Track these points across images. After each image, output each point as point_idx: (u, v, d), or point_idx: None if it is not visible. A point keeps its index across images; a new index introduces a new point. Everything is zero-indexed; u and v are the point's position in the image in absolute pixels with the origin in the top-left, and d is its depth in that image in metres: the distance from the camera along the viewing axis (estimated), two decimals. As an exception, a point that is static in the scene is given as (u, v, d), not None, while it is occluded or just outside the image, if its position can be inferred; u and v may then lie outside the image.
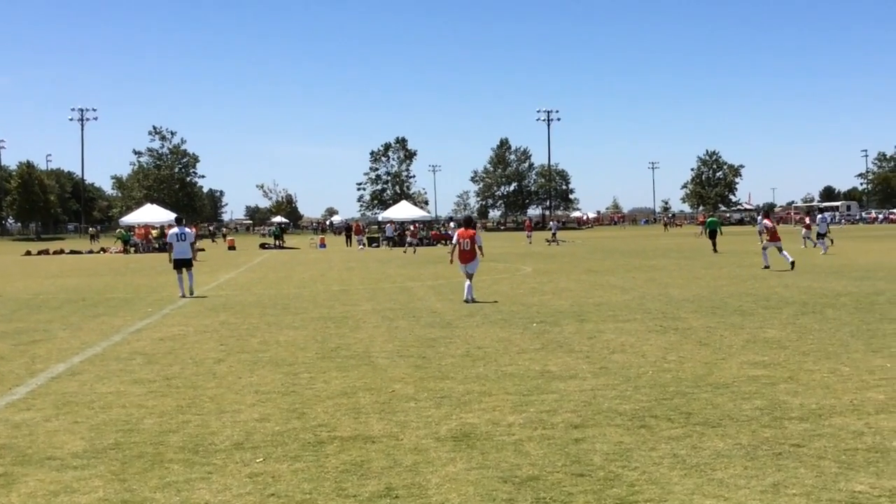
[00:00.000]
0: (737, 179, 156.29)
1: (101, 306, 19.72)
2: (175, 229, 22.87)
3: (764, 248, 27.98)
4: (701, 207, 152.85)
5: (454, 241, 19.80)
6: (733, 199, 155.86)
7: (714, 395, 8.69)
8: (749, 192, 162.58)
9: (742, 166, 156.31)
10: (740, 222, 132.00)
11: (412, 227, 59.94)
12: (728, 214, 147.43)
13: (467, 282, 19.14)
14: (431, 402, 8.64)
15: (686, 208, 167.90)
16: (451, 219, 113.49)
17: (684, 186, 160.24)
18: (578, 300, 18.75)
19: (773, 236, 27.78)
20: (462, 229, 19.71)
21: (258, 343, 13.20)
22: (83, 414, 8.44)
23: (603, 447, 6.87)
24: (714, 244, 40.25)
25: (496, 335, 13.49)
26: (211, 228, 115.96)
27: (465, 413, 8.16)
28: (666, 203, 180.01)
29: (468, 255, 19.23)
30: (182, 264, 22.25)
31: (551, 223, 66.84)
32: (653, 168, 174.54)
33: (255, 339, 13.70)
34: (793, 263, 26.09)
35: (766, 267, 26.74)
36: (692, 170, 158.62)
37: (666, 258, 35.95)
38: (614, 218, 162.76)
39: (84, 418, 8.25)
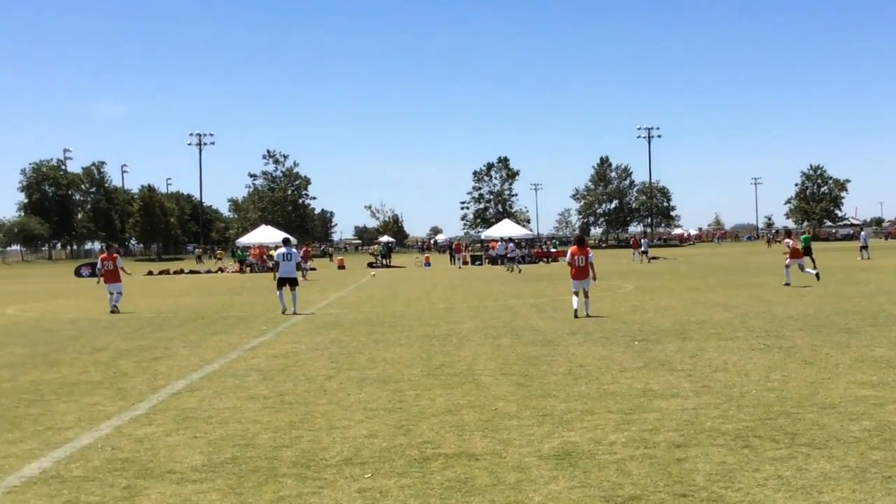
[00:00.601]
0: (842, 194, 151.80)
1: (219, 324, 20.24)
2: (282, 249, 23.62)
3: (787, 266, 28.74)
4: (805, 223, 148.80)
5: (568, 258, 20.23)
6: (839, 214, 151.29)
7: (820, 415, 8.43)
8: (856, 207, 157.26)
9: (848, 181, 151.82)
10: (847, 238, 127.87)
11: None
12: (834, 230, 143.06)
13: (574, 297, 19.61)
14: (534, 420, 8.61)
15: (790, 224, 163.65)
16: (552, 237, 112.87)
17: (788, 202, 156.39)
18: (680, 318, 18.44)
19: (795, 254, 28.86)
20: (575, 247, 20.15)
21: (366, 360, 13.35)
22: (202, 429, 8.67)
23: (705, 467, 6.73)
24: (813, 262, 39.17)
25: (598, 353, 13.36)
26: (328, 249, 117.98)
27: (567, 431, 8.10)
28: (769, 219, 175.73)
29: (583, 272, 19.67)
30: (287, 282, 22.89)
31: (642, 241, 65.71)
32: (755, 184, 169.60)
33: (364, 356, 13.87)
34: (817, 275, 28.22)
35: (787, 284, 27.54)
36: (796, 185, 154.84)
37: (769, 275, 35.07)
38: (716, 234, 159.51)
39: (202, 433, 8.48)
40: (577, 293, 19.71)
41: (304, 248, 55.76)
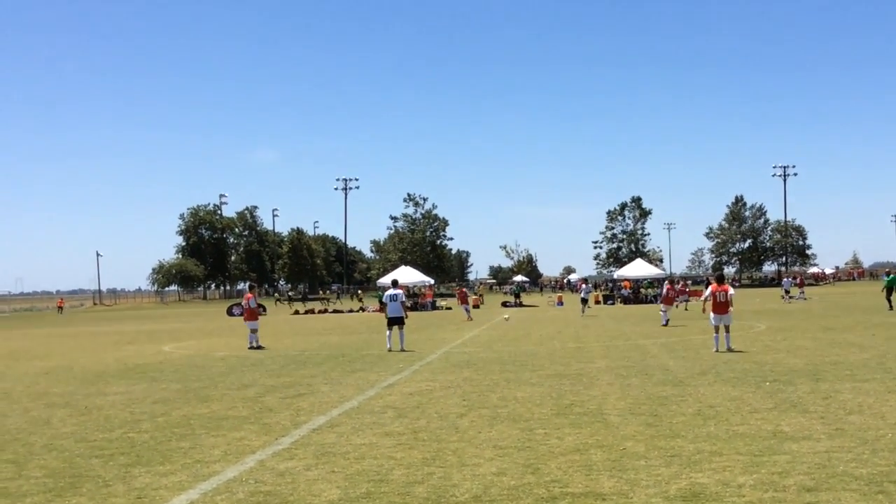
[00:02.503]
0: None
1: (359, 362, 20.60)
2: (390, 291, 24.17)
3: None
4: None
5: (708, 294, 21.04)
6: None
7: (959, 461, 7.96)
8: None
9: None
10: None
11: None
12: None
13: (715, 334, 20.33)
14: (662, 461, 8.43)
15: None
16: (673, 277, 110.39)
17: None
18: (814, 358, 17.74)
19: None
20: (715, 284, 21.01)
21: (497, 399, 13.34)
22: (339, 464, 8.84)
23: (837, 513, 6.45)
24: (890, 302, 37.61)
25: (728, 394, 12.98)
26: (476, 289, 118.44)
27: (695, 472, 7.90)
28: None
29: (723, 308, 20.28)
30: (395, 322, 23.56)
31: (785, 280, 63.75)
32: (895, 220, 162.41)
33: (495, 394, 13.86)
34: None
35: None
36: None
37: (909, 314, 33.35)
38: (853, 273, 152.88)
39: (340, 468, 8.64)
40: (717, 328, 20.33)
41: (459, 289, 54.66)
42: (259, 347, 25.61)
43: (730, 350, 19.76)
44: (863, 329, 26.28)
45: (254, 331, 26.17)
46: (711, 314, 20.49)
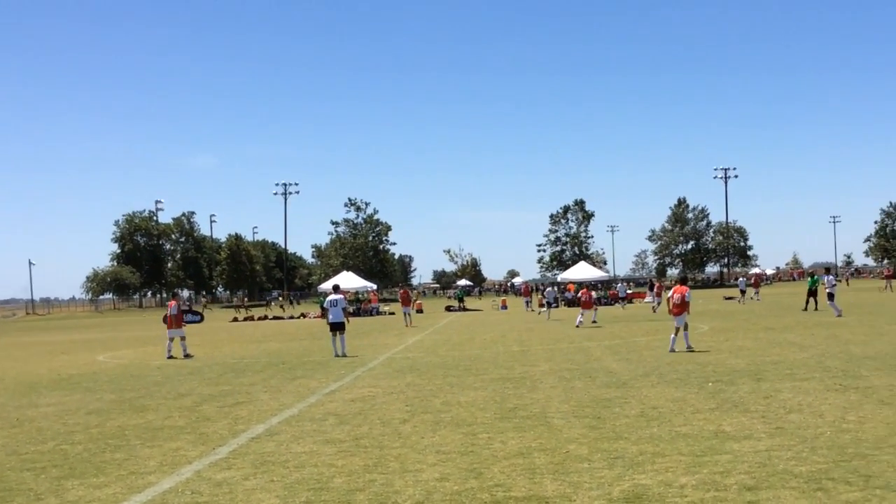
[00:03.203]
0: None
1: (300, 369, 20.45)
2: (332, 296, 24.31)
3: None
4: (885, 261, 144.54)
5: (669, 295, 21.78)
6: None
7: (896, 457, 8.17)
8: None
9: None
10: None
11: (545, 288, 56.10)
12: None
13: (672, 335, 20.98)
14: (605, 463, 8.50)
15: (870, 262, 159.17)
16: (619, 279, 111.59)
17: (867, 240, 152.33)
18: (755, 358, 18.07)
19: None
20: (677, 286, 21.81)
21: (441, 404, 13.35)
22: (278, 473, 8.75)
23: (777, 511, 6.57)
24: (807, 302, 38.95)
25: (671, 395, 13.15)
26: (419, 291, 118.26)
27: (637, 474, 7.98)
28: (848, 257, 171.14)
29: (679, 309, 20.90)
30: (336, 328, 23.66)
31: (740, 279, 64.48)
32: (834, 222, 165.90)
33: (438, 399, 13.87)
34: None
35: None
36: (875, 223, 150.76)
37: (848, 314, 34.15)
38: (793, 274, 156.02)
39: (279, 477, 8.56)
40: (677, 329, 20.98)
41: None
42: (187, 356, 25.22)
43: (689, 349, 20.38)
44: (803, 329, 26.83)
45: (182, 338, 25.79)
46: (674, 316, 21.11)
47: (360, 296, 68.56)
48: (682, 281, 22.98)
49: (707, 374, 15.59)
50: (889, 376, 14.22)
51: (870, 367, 15.52)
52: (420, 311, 65.88)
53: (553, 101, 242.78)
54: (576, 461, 8.67)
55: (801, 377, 14.60)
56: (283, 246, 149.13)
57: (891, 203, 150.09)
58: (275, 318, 63.82)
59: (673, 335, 20.93)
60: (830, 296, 35.45)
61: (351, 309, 45.42)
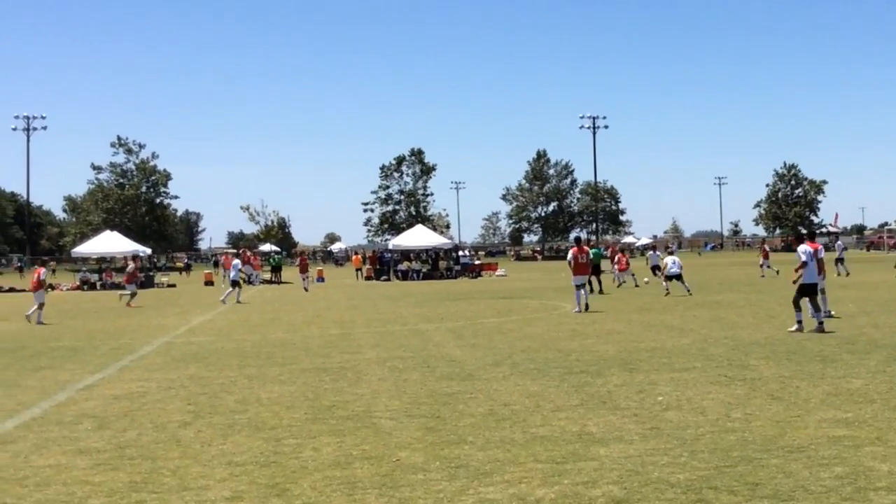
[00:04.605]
0: (819, 197, 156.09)
1: (45, 357, 19.85)
2: None
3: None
4: (778, 230, 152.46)
5: (570, 257, 28.83)
6: (815, 220, 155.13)
7: (786, 460, 8.64)
8: (836, 213, 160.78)
9: (825, 182, 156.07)
10: (826, 248, 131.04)
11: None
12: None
13: (577, 292, 27.49)
14: (444, 474, 8.61)
15: (760, 231, 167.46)
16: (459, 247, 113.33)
17: (757, 206, 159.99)
18: (627, 345, 18.71)
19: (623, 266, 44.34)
20: (576, 248, 29.21)
21: (235, 402, 13.22)
22: (14, 493, 8.46)
23: (651, 528, 6.82)
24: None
25: (526, 389, 13.45)
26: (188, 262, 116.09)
27: (484, 486, 8.12)
28: (735, 225, 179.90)
29: (585, 269, 28.24)
30: None
31: (651, 253, 53.38)
32: (720, 184, 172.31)
33: (232, 396, 13.73)
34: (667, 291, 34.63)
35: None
36: (767, 186, 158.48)
37: (734, 292, 35.87)
38: (673, 243, 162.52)
39: (15, 498, 8.28)
40: (580, 287, 27.48)
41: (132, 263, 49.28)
42: None
43: (587, 309, 26.91)
44: (683, 309, 27.94)
45: None
46: (574, 276, 27.62)
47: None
48: (580, 242, 31.33)
49: (570, 364, 16.01)
50: (779, 366, 15.00)
51: (758, 356, 16.33)
52: (321, 279, 66.71)
53: (379, 36, 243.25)
54: (408, 472, 8.74)
55: (681, 367, 15.20)
56: (24, 197, 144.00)
57: (784, 164, 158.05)
58: (10, 289, 61.30)
59: (577, 292, 27.33)
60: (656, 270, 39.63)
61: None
